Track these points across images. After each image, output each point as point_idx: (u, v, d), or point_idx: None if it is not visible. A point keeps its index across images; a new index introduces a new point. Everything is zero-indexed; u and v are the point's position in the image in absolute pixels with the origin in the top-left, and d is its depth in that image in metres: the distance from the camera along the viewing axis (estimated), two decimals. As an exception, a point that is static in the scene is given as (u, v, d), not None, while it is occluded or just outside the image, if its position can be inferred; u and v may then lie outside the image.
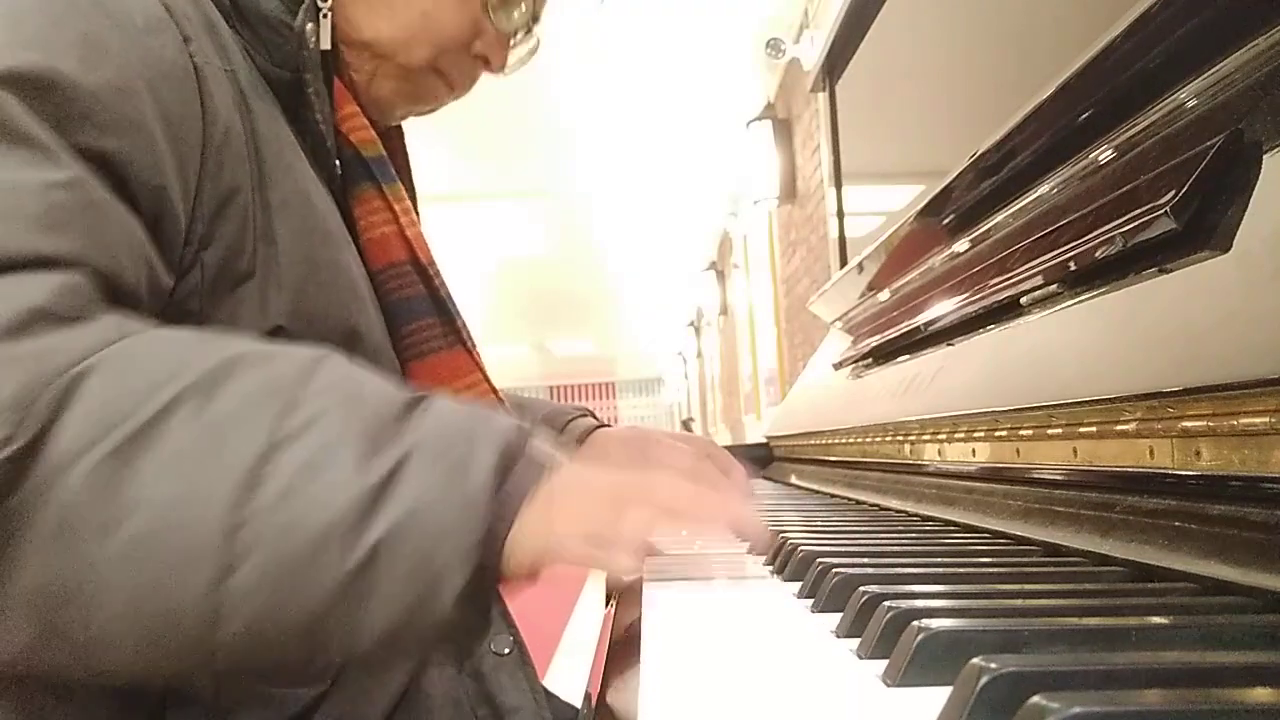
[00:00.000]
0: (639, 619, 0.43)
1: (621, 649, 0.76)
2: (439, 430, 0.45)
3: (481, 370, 0.75)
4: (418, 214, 0.79)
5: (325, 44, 0.65)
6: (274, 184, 0.58)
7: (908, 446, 0.84)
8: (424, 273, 0.73)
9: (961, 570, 0.48)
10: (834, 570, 0.45)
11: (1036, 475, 0.58)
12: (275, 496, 0.40)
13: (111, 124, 0.48)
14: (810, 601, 0.45)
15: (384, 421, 0.44)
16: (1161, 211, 0.47)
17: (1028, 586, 0.44)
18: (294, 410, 0.43)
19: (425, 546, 0.42)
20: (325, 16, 0.65)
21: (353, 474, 0.42)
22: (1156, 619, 0.33)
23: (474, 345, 0.76)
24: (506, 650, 0.67)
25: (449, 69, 0.73)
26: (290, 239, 0.59)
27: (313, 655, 0.43)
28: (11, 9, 0.47)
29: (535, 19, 0.76)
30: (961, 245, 0.90)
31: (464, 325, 0.76)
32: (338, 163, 0.69)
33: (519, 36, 0.76)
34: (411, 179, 0.80)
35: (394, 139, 0.80)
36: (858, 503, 0.92)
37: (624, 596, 0.89)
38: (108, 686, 0.50)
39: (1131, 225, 0.51)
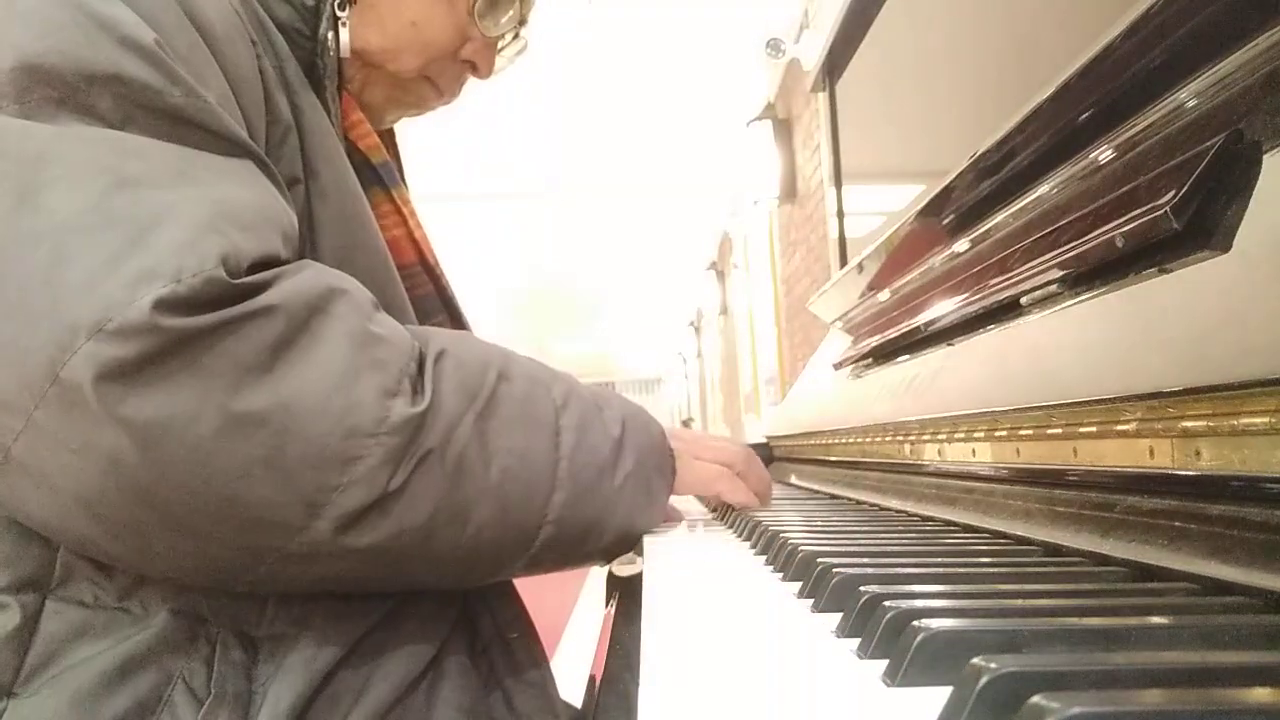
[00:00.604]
0: (639, 619, 0.43)
1: (621, 647, 0.76)
2: (622, 404, 0.67)
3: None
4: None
5: (345, 52, 0.67)
6: (316, 173, 0.61)
7: (908, 446, 0.84)
8: (432, 272, 0.75)
9: (961, 570, 0.48)
10: (834, 570, 0.45)
11: (1036, 475, 0.58)
12: (570, 443, 0.59)
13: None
14: (810, 601, 0.45)
15: (591, 393, 0.64)
16: (1161, 211, 0.47)
17: (1028, 586, 0.44)
18: (550, 388, 0.61)
19: (649, 468, 0.66)
20: (344, 25, 0.66)
21: (605, 431, 0.63)
22: (1156, 619, 0.33)
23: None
24: (514, 635, 0.69)
25: (437, 76, 0.75)
26: (330, 222, 0.62)
27: (587, 543, 0.61)
28: (121, 31, 0.49)
29: (523, 22, 0.77)
30: (961, 245, 0.90)
31: (468, 324, 0.78)
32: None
33: (506, 40, 0.78)
34: (405, 181, 0.81)
35: (387, 141, 0.81)
36: (858, 503, 0.92)
37: (624, 595, 0.89)
38: (148, 647, 0.51)
39: (1131, 225, 0.51)
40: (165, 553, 0.48)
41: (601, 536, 0.62)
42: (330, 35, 0.64)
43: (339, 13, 0.66)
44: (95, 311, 0.42)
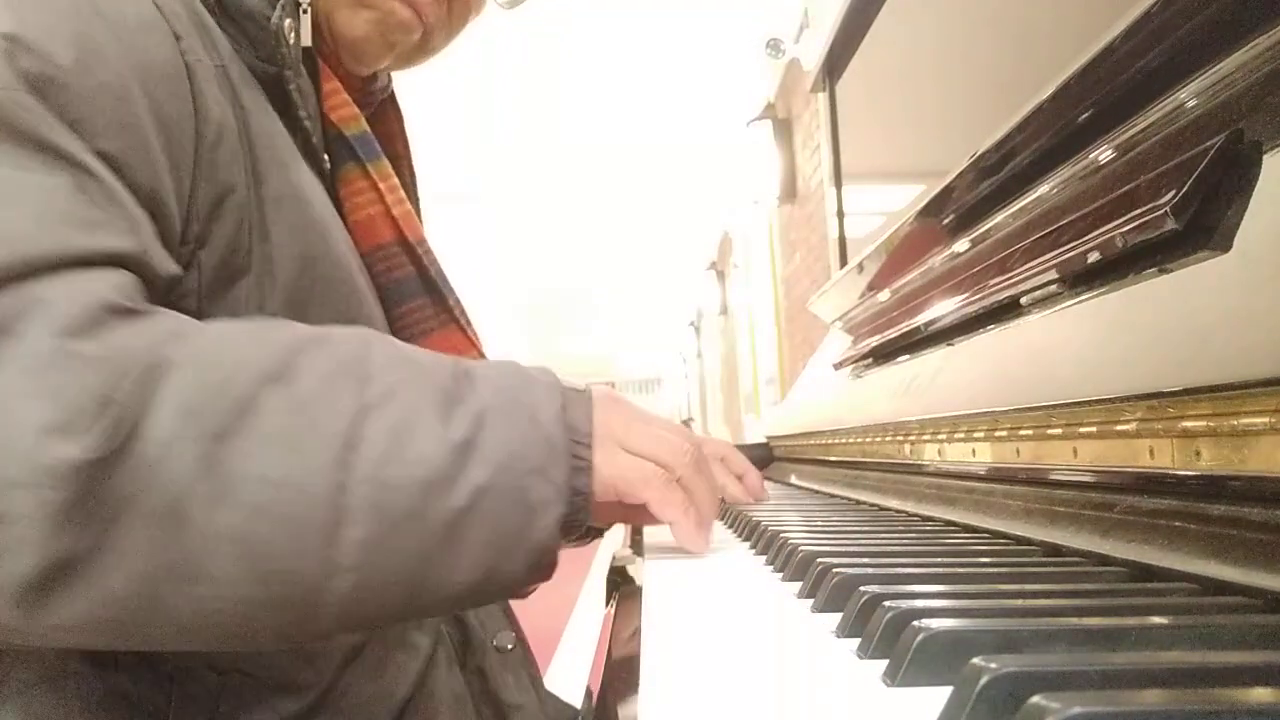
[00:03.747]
0: (639, 618, 0.43)
1: (621, 648, 0.76)
2: (498, 386, 0.50)
3: (478, 348, 0.74)
4: (416, 197, 0.77)
5: (306, 40, 0.64)
6: (268, 179, 0.57)
7: (908, 446, 0.84)
8: (412, 252, 0.71)
9: (961, 570, 0.48)
10: (834, 570, 0.45)
11: (1036, 475, 0.58)
12: (374, 457, 0.44)
13: (107, 128, 0.48)
14: (810, 601, 0.45)
15: (448, 385, 0.49)
16: (1161, 211, 0.47)
17: (1028, 586, 0.44)
18: (369, 382, 0.47)
19: (522, 485, 0.47)
20: (305, 12, 0.63)
21: (441, 431, 0.46)
22: (1156, 619, 0.33)
23: (469, 323, 0.74)
24: (510, 646, 0.68)
25: None
26: (286, 234, 0.58)
27: (415, 599, 0.46)
28: (7, 8, 0.46)
29: None
30: (961, 245, 0.90)
31: (457, 303, 0.74)
32: (325, 156, 0.67)
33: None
34: (412, 168, 0.79)
35: (393, 124, 0.78)
36: (858, 503, 0.92)
37: (624, 596, 0.88)
38: (113, 690, 0.50)
39: (1131, 225, 0.51)
40: None
41: (449, 580, 0.46)
42: (288, 23, 0.60)
43: None
44: None
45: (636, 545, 0.67)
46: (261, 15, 0.59)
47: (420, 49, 0.73)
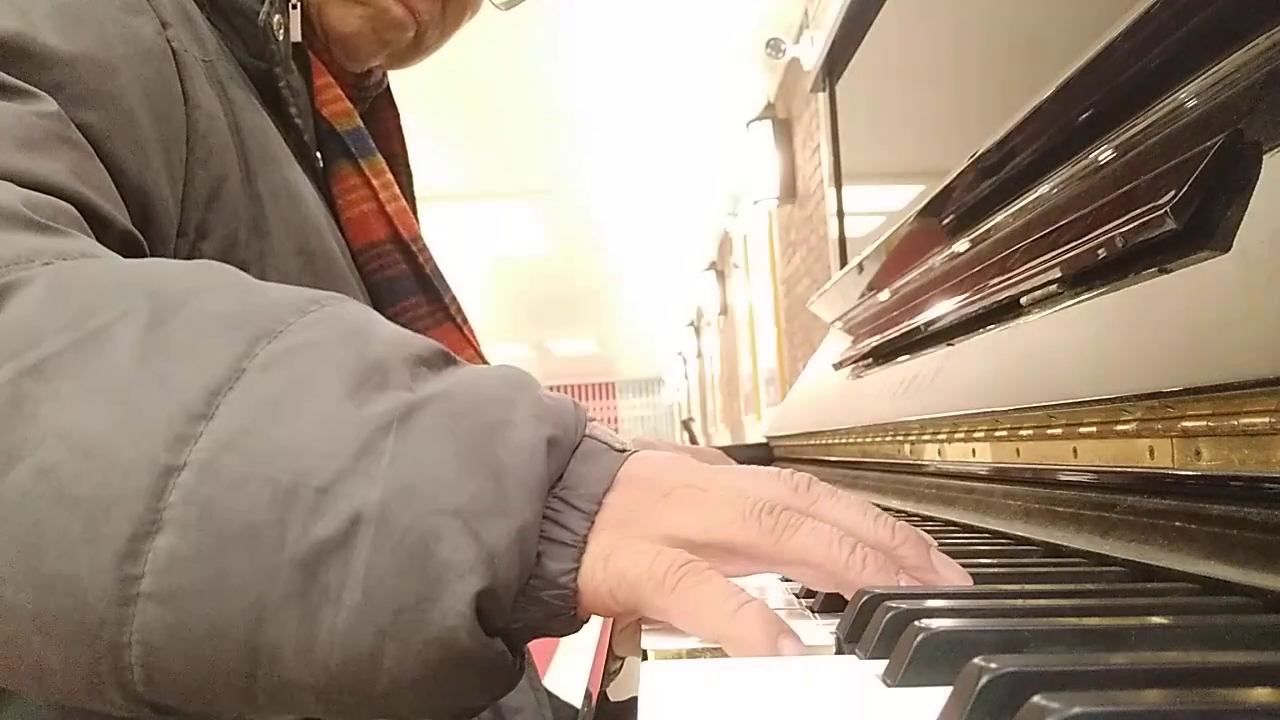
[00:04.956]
0: (639, 619, 0.43)
1: (621, 649, 0.76)
2: (466, 385, 0.34)
3: (475, 347, 0.72)
4: (412, 195, 0.77)
5: (296, 35, 0.63)
6: (261, 175, 0.56)
7: (908, 446, 0.84)
8: (406, 249, 0.69)
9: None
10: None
11: (1036, 475, 0.58)
12: (229, 435, 0.30)
13: (89, 96, 0.45)
14: (811, 601, 0.45)
15: (393, 364, 0.33)
16: (1161, 211, 0.47)
17: (1028, 586, 0.44)
18: (273, 337, 0.32)
19: (427, 527, 0.30)
20: (295, 8, 0.62)
21: (338, 419, 0.31)
22: (1156, 619, 0.33)
23: (465, 321, 0.72)
24: None
25: None
26: (283, 231, 0.57)
27: (258, 672, 0.30)
28: None
29: None
30: (961, 245, 0.90)
31: (453, 300, 0.72)
32: (317, 154, 0.67)
33: None
34: (409, 167, 0.78)
35: (390, 123, 0.78)
36: (858, 503, 0.92)
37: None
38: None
39: (1131, 225, 0.51)
40: None
41: (295, 654, 0.30)
42: (277, 19, 0.59)
43: None
44: None
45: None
46: (250, 10, 0.59)
47: (414, 48, 0.72)
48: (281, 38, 0.60)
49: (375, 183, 0.68)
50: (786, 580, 0.53)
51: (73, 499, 0.29)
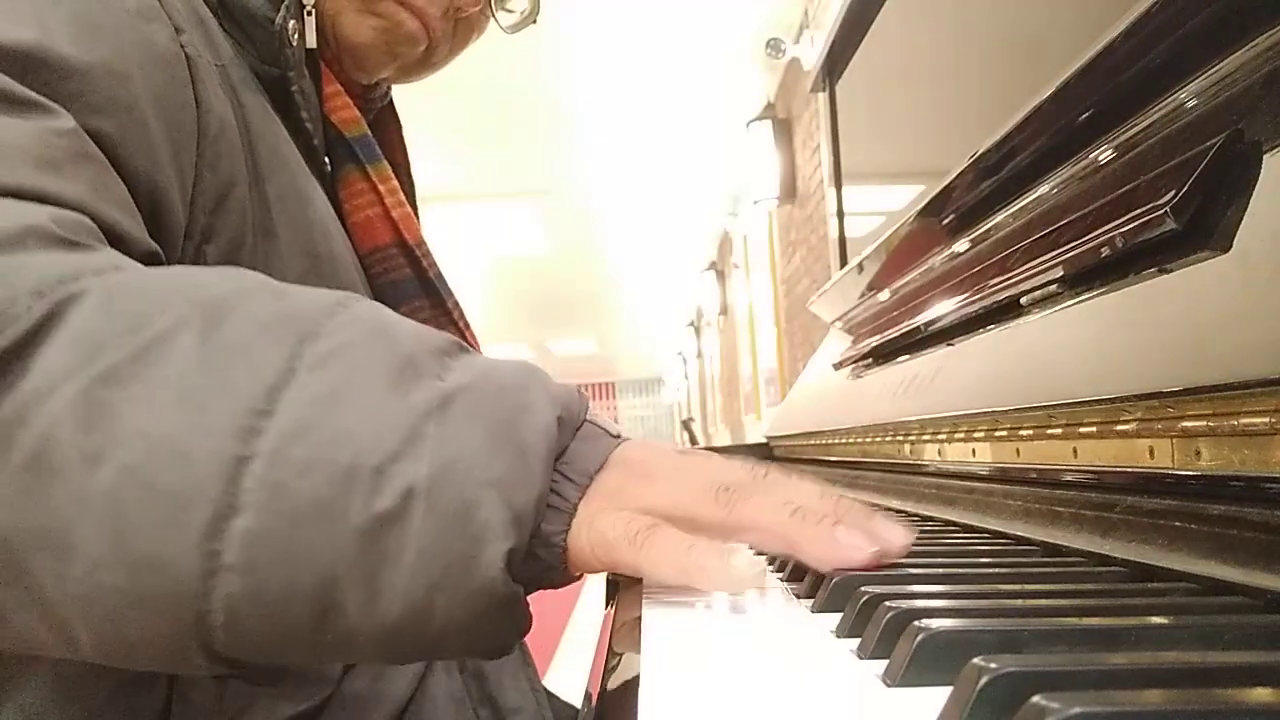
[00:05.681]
0: (639, 618, 0.43)
1: (621, 648, 0.76)
2: (487, 374, 0.40)
3: (476, 350, 0.75)
4: (414, 205, 0.78)
5: (310, 42, 0.64)
6: (270, 178, 0.57)
7: (908, 446, 0.84)
8: (411, 254, 0.71)
9: (961, 570, 0.48)
10: (834, 570, 0.45)
11: (1036, 475, 0.58)
12: (291, 427, 0.35)
13: (104, 105, 0.46)
14: (810, 602, 0.45)
15: (422, 358, 0.39)
16: (1161, 211, 0.47)
17: (1028, 586, 0.44)
18: (315, 339, 0.37)
19: (467, 497, 0.35)
20: (310, 14, 0.63)
21: (386, 407, 0.36)
22: (1156, 619, 0.33)
23: (468, 325, 0.74)
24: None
25: None
26: (290, 233, 0.58)
27: (325, 628, 0.35)
28: None
29: None
30: (961, 245, 0.90)
31: (456, 305, 0.74)
32: (325, 159, 0.68)
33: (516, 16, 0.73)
34: (410, 175, 0.79)
35: (393, 132, 0.79)
36: (858, 503, 0.92)
37: (624, 596, 0.88)
38: (113, 695, 0.49)
39: (1131, 225, 0.51)
40: None
41: (365, 609, 0.35)
42: (292, 25, 0.60)
43: (304, 0, 0.62)
44: None
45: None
46: (264, 17, 0.59)
47: (422, 63, 0.73)
48: (295, 43, 0.61)
49: (381, 188, 0.70)
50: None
51: (156, 491, 0.33)
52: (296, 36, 0.61)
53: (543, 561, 0.39)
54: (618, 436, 0.43)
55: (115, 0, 0.49)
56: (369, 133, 0.71)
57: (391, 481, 0.35)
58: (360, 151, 0.69)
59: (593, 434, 0.42)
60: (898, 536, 0.44)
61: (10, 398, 0.34)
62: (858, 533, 0.42)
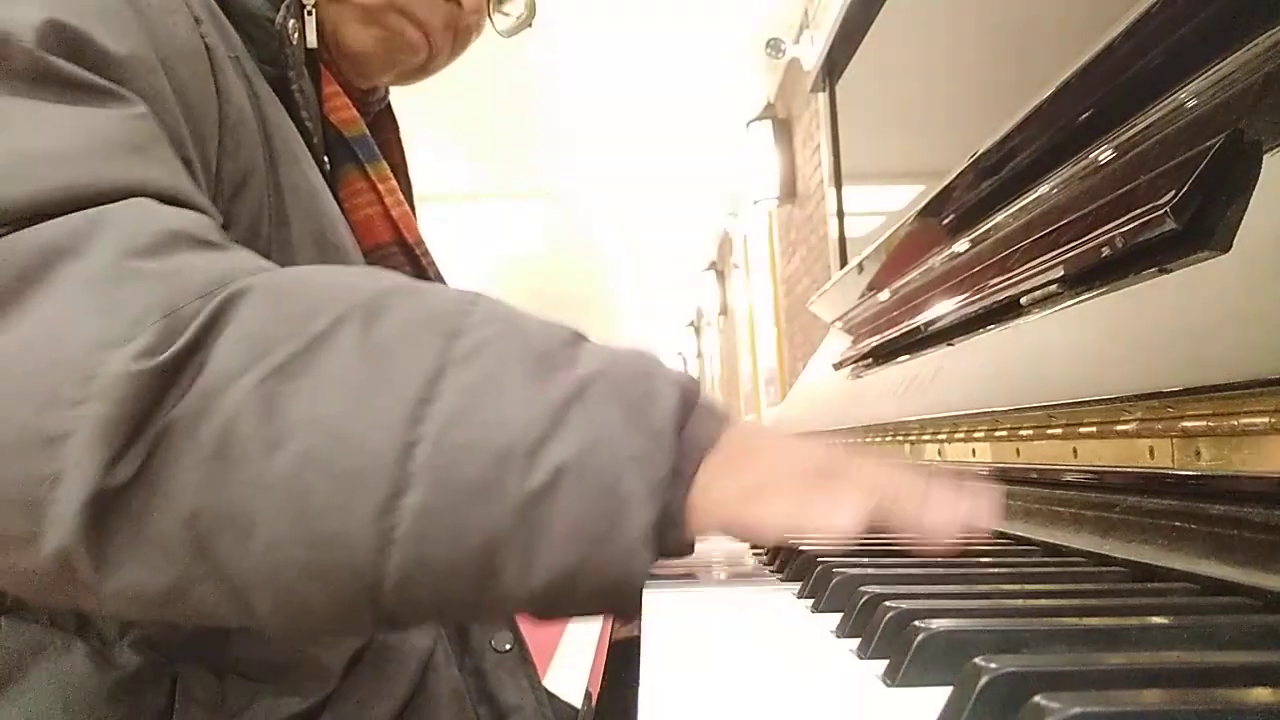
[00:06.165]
0: (639, 618, 0.43)
1: (621, 648, 0.76)
2: (614, 362, 0.43)
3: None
4: (412, 205, 0.78)
5: (311, 42, 0.64)
6: (283, 167, 0.58)
7: (908, 446, 0.84)
8: (410, 252, 0.71)
9: (961, 570, 0.48)
10: (835, 570, 0.45)
11: (1036, 475, 0.58)
12: (450, 415, 0.38)
13: (141, 95, 0.47)
14: (811, 601, 0.45)
15: (554, 349, 0.42)
16: (1161, 211, 0.47)
17: (1028, 586, 0.44)
18: (459, 336, 0.41)
19: (612, 473, 0.39)
20: (310, 14, 0.64)
21: (531, 396, 0.39)
22: (1156, 619, 0.33)
23: None
24: (507, 647, 0.68)
25: (413, 7, 0.68)
26: (301, 222, 0.58)
27: (484, 591, 0.39)
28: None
29: None
30: (961, 245, 0.90)
31: None
32: (325, 158, 0.68)
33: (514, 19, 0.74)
34: (408, 175, 0.80)
35: (389, 132, 0.79)
36: (858, 503, 0.92)
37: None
38: (116, 692, 0.49)
39: (1131, 225, 0.51)
40: None
41: (521, 575, 0.38)
42: (292, 24, 0.60)
43: (304, 0, 0.63)
44: None
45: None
46: (264, 17, 0.60)
47: (422, 69, 0.74)
48: (295, 42, 0.61)
49: (380, 187, 0.70)
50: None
51: (333, 474, 0.37)
52: (296, 36, 0.62)
53: (669, 527, 0.42)
54: (726, 417, 0.46)
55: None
56: (368, 133, 0.71)
57: (543, 462, 0.38)
58: (359, 151, 0.70)
59: (707, 414, 0.45)
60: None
61: (192, 394, 0.37)
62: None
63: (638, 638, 0.40)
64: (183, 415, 0.37)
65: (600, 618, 0.50)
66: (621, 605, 0.41)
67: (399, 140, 0.80)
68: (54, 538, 0.36)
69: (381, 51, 0.69)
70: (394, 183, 0.72)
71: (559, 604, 0.40)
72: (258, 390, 0.37)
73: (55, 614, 0.50)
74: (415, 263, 0.71)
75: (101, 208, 0.40)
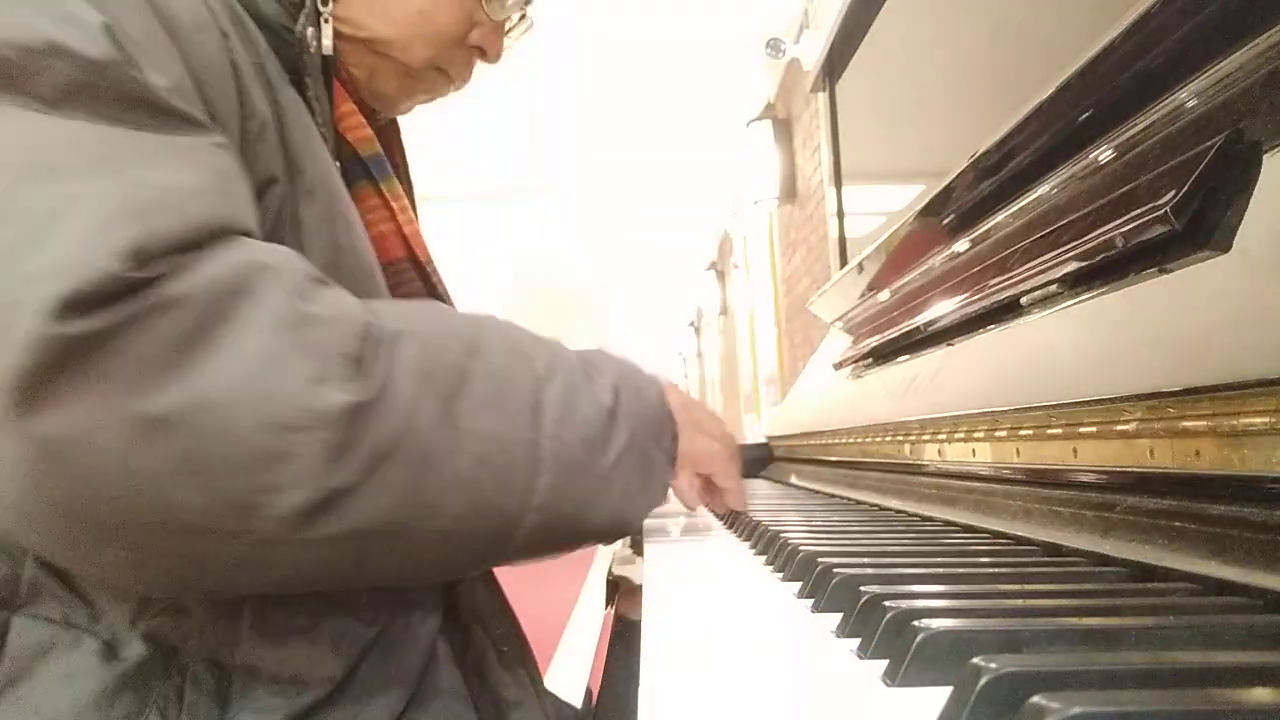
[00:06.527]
0: (639, 619, 0.43)
1: (621, 648, 0.76)
2: (615, 367, 0.62)
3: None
4: (413, 203, 0.79)
5: (327, 49, 0.65)
6: (301, 171, 0.59)
7: (908, 446, 0.84)
8: (421, 270, 0.73)
9: (961, 570, 0.48)
10: (834, 570, 0.45)
11: (1036, 475, 0.58)
12: (555, 418, 0.55)
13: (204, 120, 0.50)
14: (811, 601, 0.45)
15: (581, 361, 0.60)
16: (1161, 211, 0.47)
17: (1028, 586, 0.44)
18: (533, 360, 0.56)
19: (644, 450, 0.61)
20: (326, 21, 0.65)
21: (591, 399, 0.57)
22: (1156, 619, 0.33)
23: None
24: (506, 648, 0.68)
25: (448, 64, 0.73)
26: (315, 223, 0.60)
27: (576, 531, 0.57)
28: (66, 8, 0.46)
29: (528, 1, 0.75)
30: (961, 245, 0.90)
31: None
32: (337, 163, 0.68)
33: (513, 21, 0.76)
34: (409, 177, 0.80)
35: (391, 135, 0.80)
36: (858, 503, 0.92)
37: (624, 596, 0.88)
38: (124, 683, 0.50)
39: (1131, 225, 0.51)
40: (111, 563, 0.46)
41: (595, 521, 0.57)
42: (310, 31, 0.62)
43: (321, 8, 0.64)
44: None
45: (636, 546, 0.68)
46: (280, 25, 0.61)
47: (431, 100, 0.78)
48: (313, 50, 0.63)
49: (394, 205, 0.73)
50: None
51: (494, 468, 0.51)
52: (315, 44, 0.63)
53: (669, 475, 0.65)
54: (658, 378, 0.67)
55: (169, 16, 0.51)
56: (381, 152, 0.73)
57: (612, 446, 0.58)
58: (374, 169, 0.72)
59: (669, 390, 0.67)
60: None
61: (388, 417, 0.47)
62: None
63: (638, 635, 0.40)
64: (392, 436, 0.47)
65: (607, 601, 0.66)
66: (637, 525, 0.64)
67: (400, 143, 0.81)
68: (265, 533, 0.44)
69: (411, 99, 0.76)
70: (405, 201, 0.74)
71: (612, 534, 0.60)
72: (439, 412, 0.50)
73: (69, 611, 0.51)
74: (426, 280, 0.73)
75: (245, 243, 0.47)
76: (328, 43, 0.65)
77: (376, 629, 0.58)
